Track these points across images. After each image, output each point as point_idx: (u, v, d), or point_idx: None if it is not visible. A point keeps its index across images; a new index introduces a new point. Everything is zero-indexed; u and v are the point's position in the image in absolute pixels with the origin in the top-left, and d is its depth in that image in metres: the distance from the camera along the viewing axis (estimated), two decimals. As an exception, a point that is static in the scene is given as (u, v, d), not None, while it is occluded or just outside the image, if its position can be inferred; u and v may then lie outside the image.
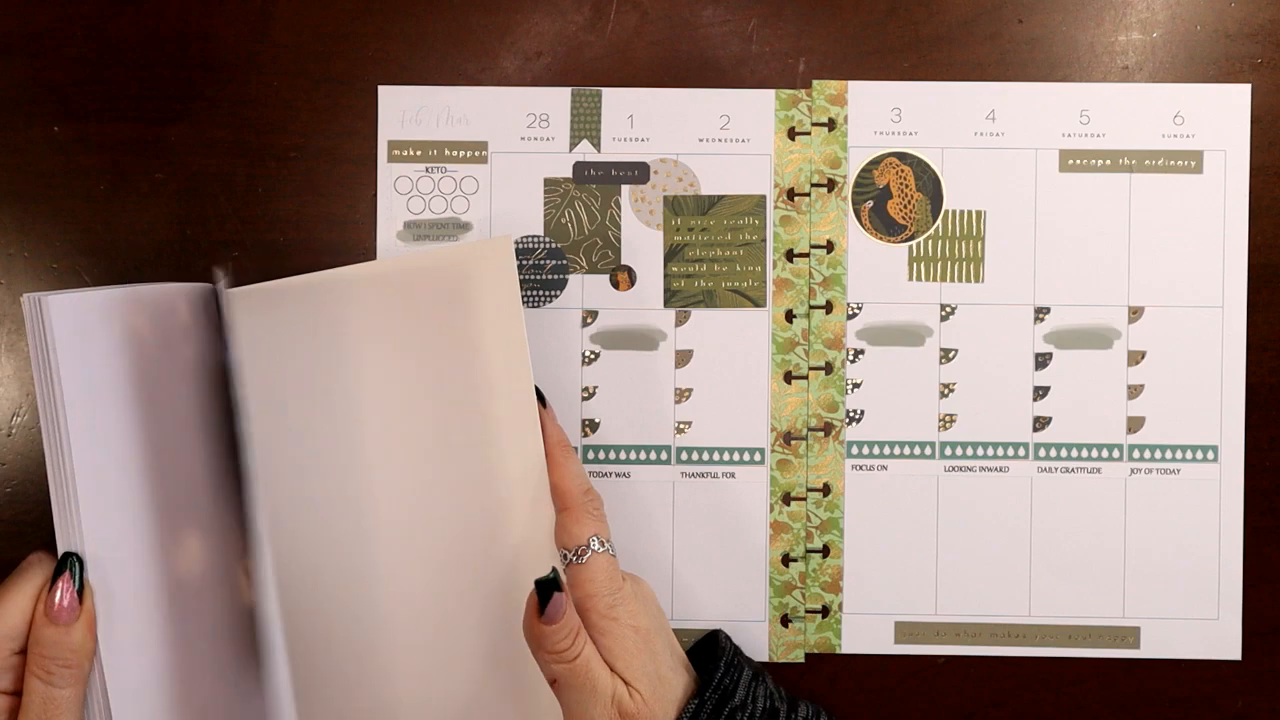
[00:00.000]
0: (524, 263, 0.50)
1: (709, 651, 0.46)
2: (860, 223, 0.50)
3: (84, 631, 0.38)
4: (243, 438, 0.44)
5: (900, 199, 0.50)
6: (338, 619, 0.46)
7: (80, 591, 0.38)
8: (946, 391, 0.50)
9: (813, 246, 0.50)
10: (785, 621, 0.50)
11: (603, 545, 0.42)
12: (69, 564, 0.38)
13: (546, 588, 0.41)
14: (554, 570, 0.41)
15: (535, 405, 0.44)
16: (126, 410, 0.40)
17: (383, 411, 0.45)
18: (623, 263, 0.50)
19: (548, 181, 0.50)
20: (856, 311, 0.50)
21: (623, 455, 0.49)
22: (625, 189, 0.50)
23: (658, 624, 0.43)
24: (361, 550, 0.45)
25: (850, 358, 0.50)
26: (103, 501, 0.39)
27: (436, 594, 0.45)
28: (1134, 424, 0.50)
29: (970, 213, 0.50)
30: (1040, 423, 0.50)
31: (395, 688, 0.45)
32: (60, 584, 0.38)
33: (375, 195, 0.50)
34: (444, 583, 0.45)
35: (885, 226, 0.50)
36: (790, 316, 0.50)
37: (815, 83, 0.50)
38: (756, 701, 0.42)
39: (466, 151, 0.50)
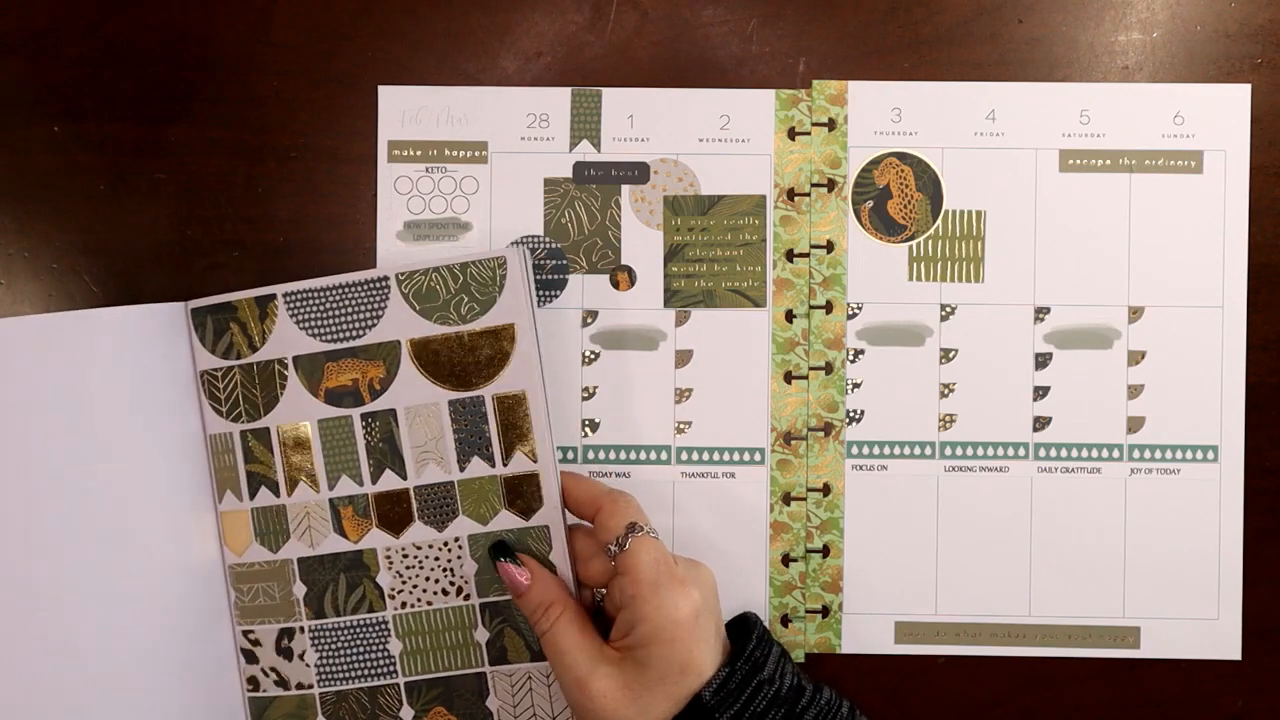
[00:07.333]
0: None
1: (739, 631, 0.46)
2: (860, 223, 0.50)
3: None
4: (201, 449, 0.44)
5: (900, 199, 0.50)
6: None
7: None
8: (946, 391, 0.50)
9: (813, 246, 0.50)
10: (785, 621, 0.49)
11: (643, 529, 0.42)
12: None
13: (493, 553, 0.43)
14: (507, 537, 0.43)
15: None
16: (59, 429, 0.43)
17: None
18: (623, 263, 0.50)
19: (548, 181, 0.50)
20: (856, 311, 0.50)
21: (623, 455, 0.49)
22: (625, 189, 0.50)
23: (708, 607, 0.42)
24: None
25: (850, 358, 0.50)
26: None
27: None
28: (1134, 424, 0.50)
29: (970, 213, 0.50)
30: (1040, 423, 0.50)
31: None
32: None
33: (375, 195, 0.50)
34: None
35: (885, 226, 0.50)
36: (790, 316, 0.50)
37: (815, 83, 0.50)
38: (784, 678, 0.42)
39: (466, 151, 0.50)
